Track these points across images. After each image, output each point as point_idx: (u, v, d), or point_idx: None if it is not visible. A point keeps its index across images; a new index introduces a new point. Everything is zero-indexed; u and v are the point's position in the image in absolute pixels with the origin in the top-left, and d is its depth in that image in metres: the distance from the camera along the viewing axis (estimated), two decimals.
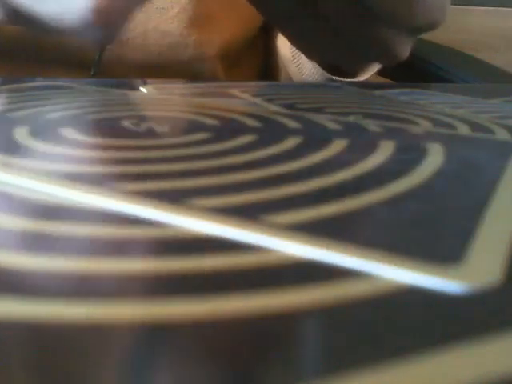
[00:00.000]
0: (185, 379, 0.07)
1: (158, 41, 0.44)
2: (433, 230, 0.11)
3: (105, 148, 0.17)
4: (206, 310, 0.08)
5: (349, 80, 0.41)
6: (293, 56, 0.45)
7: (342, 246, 0.10)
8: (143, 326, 0.08)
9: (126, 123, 0.20)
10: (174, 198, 0.12)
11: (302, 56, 0.43)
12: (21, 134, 0.18)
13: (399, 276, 0.09)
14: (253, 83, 0.35)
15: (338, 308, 0.08)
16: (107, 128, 0.20)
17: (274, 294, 0.09)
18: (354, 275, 0.09)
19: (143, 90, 0.29)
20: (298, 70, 0.45)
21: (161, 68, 0.45)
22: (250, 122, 0.21)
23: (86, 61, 0.38)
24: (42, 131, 0.19)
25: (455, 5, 0.92)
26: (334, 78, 0.41)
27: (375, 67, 0.42)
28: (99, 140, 0.18)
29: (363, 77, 0.42)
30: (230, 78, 0.47)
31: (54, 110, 0.22)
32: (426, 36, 0.64)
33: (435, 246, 0.11)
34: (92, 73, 0.36)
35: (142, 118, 0.21)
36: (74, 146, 0.17)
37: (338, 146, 0.18)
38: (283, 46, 0.46)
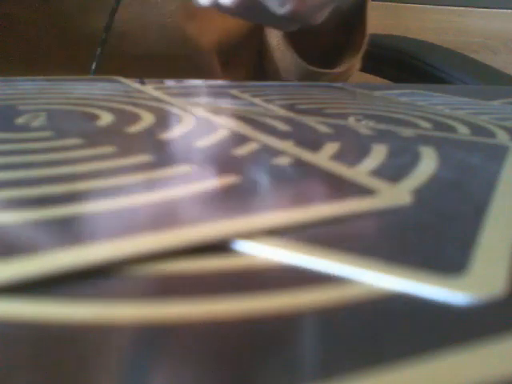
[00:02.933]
0: (185, 380, 0.07)
1: (156, 34, 0.44)
2: (434, 239, 0.11)
3: None
4: (204, 310, 0.08)
5: (327, 71, 0.42)
6: (277, 44, 0.47)
7: (343, 255, 0.10)
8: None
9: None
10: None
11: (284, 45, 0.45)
12: None
13: (403, 286, 0.09)
14: (253, 83, 0.34)
15: (341, 314, 0.08)
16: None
17: (275, 299, 0.09)
18: (355, 285, 0.09)
19: (141, 87, 0.29)
20: (282, 57, 0.47)
21: (159, 61, 0.45)
22: (249, 131, 0.21)
23: (82, 60, 0.38)
24: None
25: (456, 6, 0.92)
26: (309, 68, 0.42)
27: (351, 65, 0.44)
28: None
29: (340, 69, 0.44)
30: (226, 71, 0.47)
31: None
32: (426, 38, 0.64)
33: (438, 255, 0.11)
34: (92, 73, 0.36)
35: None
36: None
37: (330, 149, 0.18)
38: (269, 33, 0.48)
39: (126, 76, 0.32)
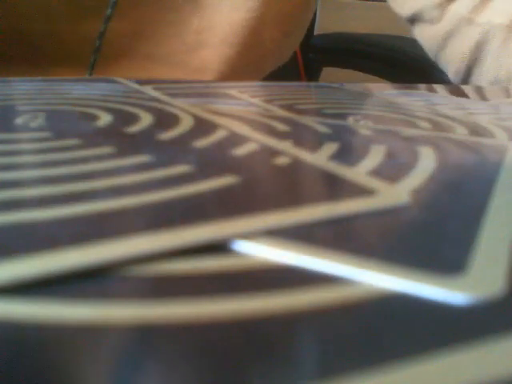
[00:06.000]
0: (182, 381, 0.07)
1: (163, 31, 0.44)
2: (433, 239, 0.11)
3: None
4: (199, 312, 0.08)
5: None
6: None
7: (342, 255, 0.10)
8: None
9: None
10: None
11: None
12: None
13: (401, 286, 0.09)
14: (252, 83, 0.34)
15: (341, 314, 0.08)
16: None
17: (275, 299, 0.09)
18: (354, 285, 0.09)
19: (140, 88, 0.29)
20: None
21: (165, 58, 0.45)
22: (246, 131, 0.21)
23: (83, 61, 0.38)
24: None
25: None
26: None
27: None
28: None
29: None
30: (232, 65, 0.47)
31: None
32: None
33: (437, 255, 0.11)
34: (88, 74, 0.36)
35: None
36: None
37: (329, 149, 0.18)
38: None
39: (130, 76, 0.32)
